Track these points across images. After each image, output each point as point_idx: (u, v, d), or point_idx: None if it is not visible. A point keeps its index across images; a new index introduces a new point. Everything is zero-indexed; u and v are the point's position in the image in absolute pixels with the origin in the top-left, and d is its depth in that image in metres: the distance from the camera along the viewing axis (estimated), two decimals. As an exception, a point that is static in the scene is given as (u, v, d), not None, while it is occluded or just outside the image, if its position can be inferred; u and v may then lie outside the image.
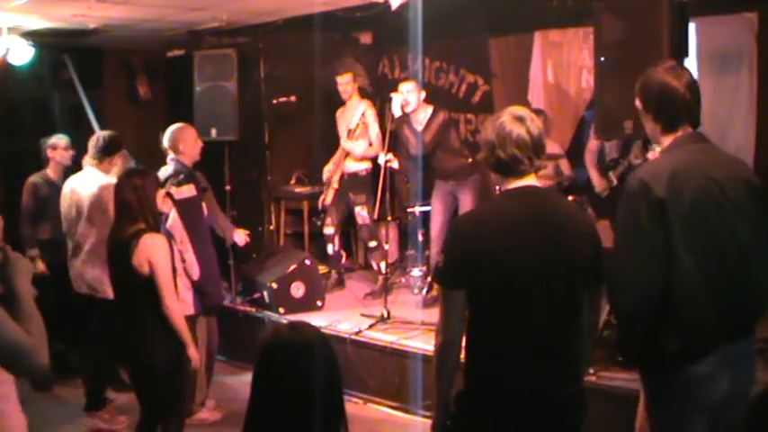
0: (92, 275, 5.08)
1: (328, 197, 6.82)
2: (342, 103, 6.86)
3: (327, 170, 6.87)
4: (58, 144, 5.84)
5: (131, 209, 3.81)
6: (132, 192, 3.80)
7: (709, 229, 2.57)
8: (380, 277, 6.56)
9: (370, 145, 6.62)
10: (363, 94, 7.01)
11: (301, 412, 1.98)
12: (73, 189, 5.20)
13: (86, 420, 5.06)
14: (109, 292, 4.99)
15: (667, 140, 2.70)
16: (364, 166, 6.70)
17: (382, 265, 6.48)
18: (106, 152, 5.16)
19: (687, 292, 2.56)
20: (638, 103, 2.76)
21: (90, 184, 5.12)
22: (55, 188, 5.65)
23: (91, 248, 5.08)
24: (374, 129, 6.59)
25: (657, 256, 2.54)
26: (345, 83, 6.66)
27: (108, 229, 4.98)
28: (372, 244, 6.71)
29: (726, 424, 2.70)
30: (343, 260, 7.11)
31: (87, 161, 5.25)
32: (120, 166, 5.31)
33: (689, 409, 2.66)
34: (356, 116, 6.62)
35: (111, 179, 5.09)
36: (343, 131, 6.75)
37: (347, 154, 6.72)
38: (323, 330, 5.66)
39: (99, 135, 5.30)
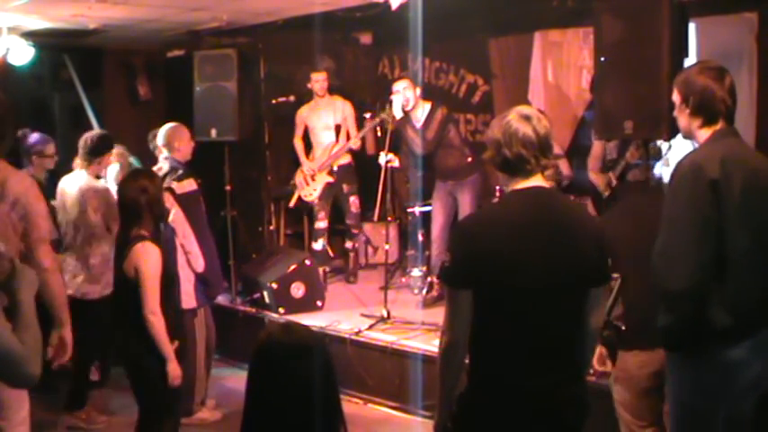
0: (70, 275, 5.04)
1: (315, 193, 6.90)
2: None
3: (311, 168, 6.90)
4: (45, 151, 5.44)
5: (138, 210, 3.77)
6: (140, 193, 3.76)
7: (757, 213, 2.67)
8: (351, 255, 7.16)
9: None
10: (332, 90, 7.06)
11: (297, 414, 1.97)
12: (62, 190, 5.18)
13: (66, 419, 5.04)
14: (88, 293, 5.02)
15: (706, 133, 2.79)
16: (349, 159, 6.99)
17: (356, 246, 7.14)
18: (94, 153, 5.09)
19: (740, 269, 2.64)
20: (676, 96, 2.85)
21: (74, 186, 5.10)
22: (42, 188, 5.58)
23: (74, 250, 5.08)
24: (352, 122, 6.89)
25: (711, 235, 2.62)
26: (323, 80, 6.86)
27: (88, 231, 5.02)
28: (356, 231, 7.13)
29: (738, 416, 2.73)
30: (330, 255, 7.27)
31: (77, 162, 5.19)
32: (111, 165, 5.31)
33: (723, 394, 2.71)
34: (338, 112, 6.87)
35: (95, 182, 5.08)
36: (320, 128, 6.90)
37: (337, 154, 6.85)
38: (323, 330, 5.71)
39: (87, 136, 5.20)
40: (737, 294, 2.65)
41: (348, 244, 7.18)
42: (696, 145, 2.85)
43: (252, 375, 2.03)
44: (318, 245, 6.98)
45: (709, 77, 2.76)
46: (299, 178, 7.01)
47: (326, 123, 6.90)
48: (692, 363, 2.75)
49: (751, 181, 2.67)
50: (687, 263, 2.62)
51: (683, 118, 2.83)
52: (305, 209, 7.40)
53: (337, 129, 6.85)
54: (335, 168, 6.90)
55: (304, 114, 7.00)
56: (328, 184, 6.90)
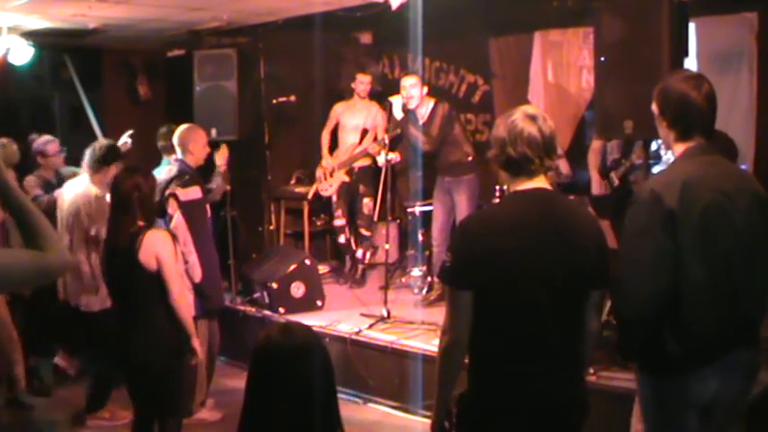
0: (73, 286, 5.03)
1: (331, 189, 7.06)
2: (342, 97, 7.15)
3: (330, 164, 7.05)
4: (47, 151, 5.72)
5: (131, 207, 3.80)
6: (133, 189, 3.80)
7: (718, 241, 2.59)
8: (360, 266, 7.03)
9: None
10: (372, 96, 7.23)
11: (296, 415, 1.98)
12: (60, 195, 5.18)
13: (90, 422, 5.04)
14: (89, 305, 5.01)
15: (679, 148, 2.71)
16: (370, 161, 7.02)
17: (368, 254, 7.05)
18: (102, 162, 5.08)
19: (695, 302, 2.58)
20: (654, 107, 2.77)
21: (71, 192, 5.10)
22: (51, 187, 5.62)
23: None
24: (381, 129, 6.89)
25: (666, 265, 2.56)
26: (367, 83, 7.05)
27: (81, 237, 5.00)
28: (367, 233, 7.06)
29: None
30: (354, 248, 7.23)
31: (83, 168, 5.21)
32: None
33: (681, 406, 2.70)
34: (370, 118, 7.00)
35: (93, 189, 5.05)
36: (351, 127, 7.04)
37: (355, 157, 6.99)
38: (323, 330, 5.70)
39: (96, 145, 5.20)
40: (690, 326, 2.59)
41: (359, 252, 7.13)
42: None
43: (251, 378, 2.04)
44: (341, 239, 7.15)
45: (686, 86, 2.67)
46: (318, 172, 7.17)
47: (357, 124, 7.05)
48: (650, 379, 2.75)
49: (714, 206, 2.57)
50: (638, 293, 2.58)
51: (661, 129, 2.75)
52: (317, 211, 7.60)
53: (364, 132, 7.02)
54: (356, 170, 7.03)
55: (339, 110, 7.16)
56: (344, 183, 7.05)
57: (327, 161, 7.11)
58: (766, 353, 4.13)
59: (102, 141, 5.33)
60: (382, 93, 7.36)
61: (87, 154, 5.16)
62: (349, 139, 7.08)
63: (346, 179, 7.03)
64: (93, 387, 5.09)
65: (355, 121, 7.07)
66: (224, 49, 6.78)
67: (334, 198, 7.09)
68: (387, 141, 6.20)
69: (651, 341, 2.64)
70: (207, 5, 6.02)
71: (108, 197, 4.87)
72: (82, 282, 5.02)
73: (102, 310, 4.91)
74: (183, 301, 3.84)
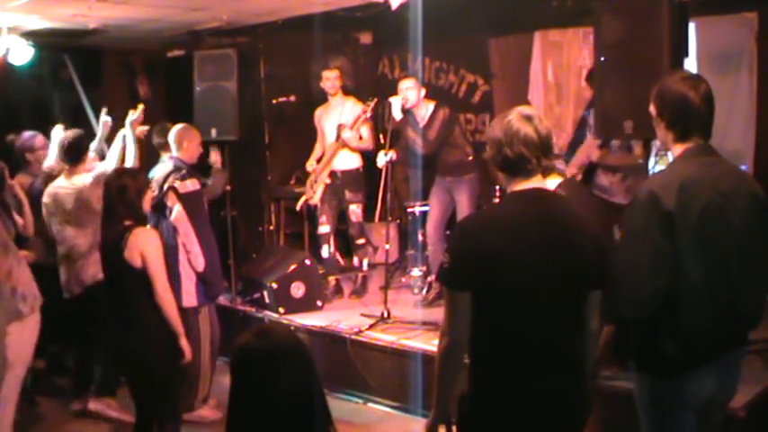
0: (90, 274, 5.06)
1: (316, 197, 6.65)
2: (322, 100, 6.83)
3: (311, 165, 6.70)
4: (34, 145, 5.68)
5: (118, 208, 3.86)
6: (118, 193, 3.85)
7: (716, 242, 2.59)
8: (359, 275, 6.76)
9: (361, 138, 6.54)
10: (346, 91, 6.86)
11: (278, 417, 1.97)
12: (55, 195, 5.11)
13: (93, 403, 5.04)
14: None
15: (678, 149, 2.72)
16: (356, 165, 6.62)
17: (365, 262, 6.74)
18: (77, 159, 5.07)
19: (692, 303, 2.59)
20: (652, 109, 2.77)
21: (70, 187, 5.07)
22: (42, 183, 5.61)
23: (85, 250, 5.07)
24: (360, 124, 6.50)
25: (664, 265, 2.56)
26: (334, 78, 6.59)
27: (88, 225, 5.02)
28: (360, 242, 6.72)
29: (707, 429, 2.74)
30: (340, 263, 7.05)
31: (60, 169, 5.17)
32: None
33: (679, 406, 2.71)
34: (345, 112, 6.56)
35: (86, 178, 5.05)
36: (329, 129, 6.65)
37: (334, 153, 6.59)
38: (323, 330, 5.69)
39: (64, 140, 5.11)
40: (688, 326, 2.60)
41: (355, 260, 6.82)
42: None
43: (232, 382, 2.04)
44: (324, 251, 6.68)
45: (684, 86, 2.67)
46: (309, 180, 6.76)
47: (333, 123, 6.63)
48: (647, 379, 2.76)
49: (712, 208, 2.58)
50: (636, 294, 2.59)
51: (660, 131, 2.76)
52: (307, 212, 7.15)
53: (340, 128, 6.53)
54: (339, 174, 6.60)
55: (318, 115, 6.79)
56: (327, 186, 6.63)
57: (311, 166, 6.69)
58: (766, 353, 4.16)
59: (68, 137, 5.17)
60: (381, 93, 7.35)
61: (58, 152, 5.15)
62: (331, 140, 6.64)
63: (328, 181, 6.59)
64: (101, 373, 5.11)
65: (332, 121, 6.63)
66: (224, 50, 6.78)
67: (319, 204, 6.66)
68: (384, 139, 6.15)
69: (649, 341, 2.65)
70: (207, 5, 6.02)
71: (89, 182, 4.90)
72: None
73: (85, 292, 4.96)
74: (168, 297, 3.86)
